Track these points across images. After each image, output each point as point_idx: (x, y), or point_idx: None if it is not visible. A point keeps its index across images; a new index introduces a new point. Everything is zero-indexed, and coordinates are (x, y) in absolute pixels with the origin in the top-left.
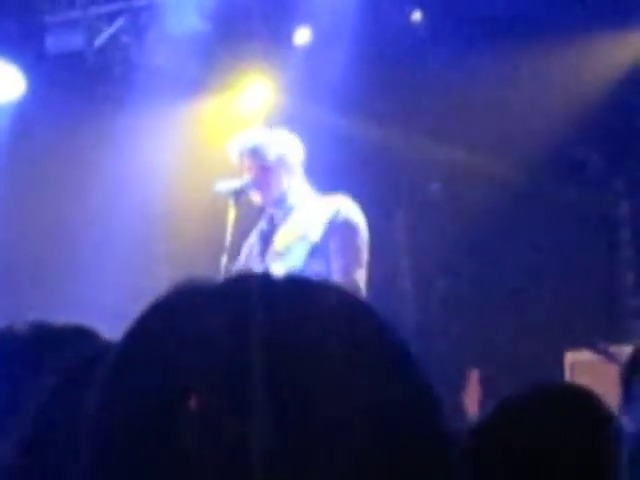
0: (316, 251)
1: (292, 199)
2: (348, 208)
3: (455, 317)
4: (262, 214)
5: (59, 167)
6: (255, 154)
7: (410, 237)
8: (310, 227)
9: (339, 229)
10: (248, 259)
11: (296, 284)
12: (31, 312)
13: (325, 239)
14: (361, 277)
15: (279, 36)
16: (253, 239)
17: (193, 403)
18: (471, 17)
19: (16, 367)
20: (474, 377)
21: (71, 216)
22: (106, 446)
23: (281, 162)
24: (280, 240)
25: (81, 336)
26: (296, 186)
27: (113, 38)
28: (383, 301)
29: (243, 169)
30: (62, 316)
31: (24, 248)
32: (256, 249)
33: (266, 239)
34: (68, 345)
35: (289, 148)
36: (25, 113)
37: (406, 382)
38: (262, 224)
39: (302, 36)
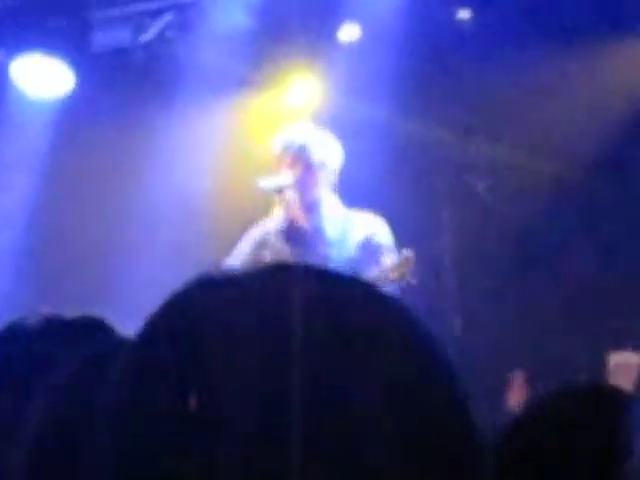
0: (350, 266)
1: (323, 209)
2: (381, 228)
3: (500, 317)
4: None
5: (104, 163)
6: (302, 151)
7: (455, 236)
8: (340, 244)
9: (374, 252)
10: (258, 256)
11: (337, 281)
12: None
13: (359, 258)
14: None
15: (325, 33)
16: (269, 235)
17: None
18: (518, 14)
19: (26, 362)
20: (519, 378)
21: (115, 213)
22: (127, 450)
23: (323, 166)
24: (315, 249)
25: (94, 328)
26: (328, 195)
27: (160, 34)
28: (427, 301)
29: (282, 162)
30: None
31: (67, 246)
32: (286, 252)
33: (298, 244)
34: (80, 338)
35: (333, 153)
36: (72, 109)
37: (436, 381)
38: (283, 226)
39: (348, 33)
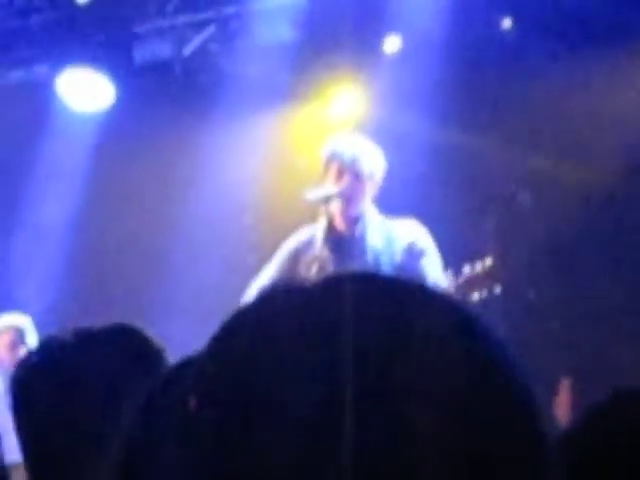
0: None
1: (366, 218)
2: (424, 237)
3: (544, 326)
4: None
5: (146, 177)
6: (353, 162)
7: (499, 245)
8: (386, 251)
9: (419, 257)
10: (296, 266)
11: (399, 287)
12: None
13: (406, 264)
14: None
15: (368, 44)
16: (311, 243)
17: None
18: (561, 25)
19: (63, 374)
20: (565, 387)
21: (158, 227)
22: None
23: (371, 178)
24: (362, 259)
25: (122, 335)
26: (369, 205)
27: (201, 47)
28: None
29: (329, 170)
30: (152, 326)
31: (109, 258)
32: (327, 260)
33: (340, 252)
34: (109, 346)
35: (379, 164)
36: (113, 122)
37: (505, 385)
38: (324, 234)
39: (392, 44)
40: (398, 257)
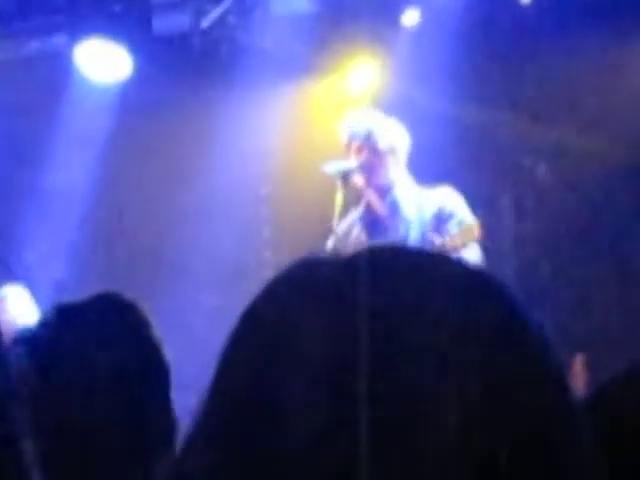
0: (429, 243)
1: (397, 191)
2: (454, 202)
3: (559, 301)
4: (359, 199)
5: (164, 149)
6: (368, 137)
7: (516, 220)
8: (418, 221)
9: (446, 221)
10: (344, 243)
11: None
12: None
13: (436, 231)
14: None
15: (387, 17)
16: (352, 226)
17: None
18: (580, 0)
19: (44, 352)
20: (579, 362)
21: (176, 199)
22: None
23: (391, 150)
24: (394, 230)
25: (103, 304)
26: (401, 177)
27: (220, 19)
28: None
29: (350, 149)
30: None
31: (127, 230)
32: (361, 236)
33: (372, 228)
34: (90, 316)
35: (399, 137)
36: (132, 93)
37: (536, 359)
38: (359, 210)
39: (410, 17)
40: (428, 225)
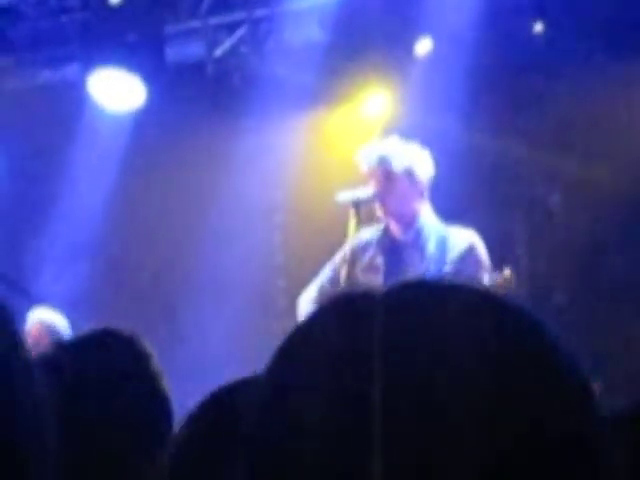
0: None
1: (422, 223)
2: (479, 245)
3: (573, 332)
4: (377, 226)
5: (177, 177)
6: (381, 162)
7: (530, 250)
8: (438, 256)
9: (472, 266)
10: (354, 265)
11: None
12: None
13: (456, 273)
14: None
15: (399, 46)
16: (368, 245)
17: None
18: (591, 27)
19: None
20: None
21: (188, 226)
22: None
23: (407, 173)
24: (412, 261)
25: (104, 339)
26: (426, 211)
27: (233, 49)
28: None
29: (370, 178)
30: (179, 333)
31: (139, 258)
32: (377, 260)
33: (390, 254)
34: (92, 351)
35: (417, 161)
36: (144, 122)
37: (561, 376)
38: (379, 237)
39: (423, 46)
40: (449, 266)
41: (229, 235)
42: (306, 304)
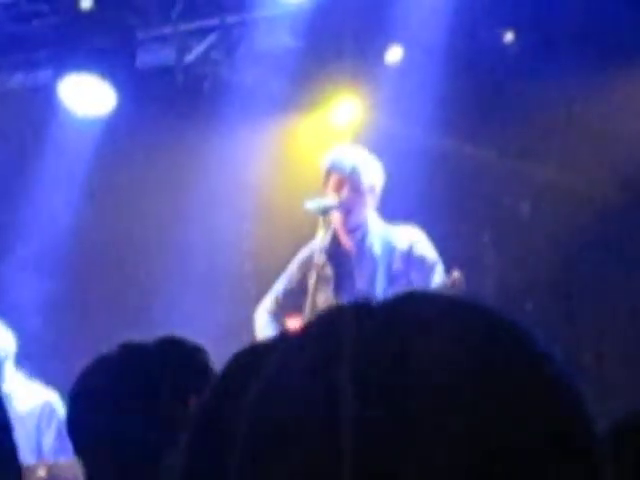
0: (395, 280)
1: (367, 227)
2: (422, 238)
3: (545, 339)
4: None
5: (146, 182)
6: (352, 174)
7: (498, 257)
8: (385, 257)
9: (415, 263)
10: (306, 275)
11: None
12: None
13: (404, 270)
14: None
15: (370, 54)
16: (314, 252)
17: None
18: (562, 36)
19: (117, 388)
20: None
21: (159, 232)
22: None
23: (372, 191)
24: (360, 266)
25: (168, 347)
26: (372, 214)
27: (204, 55)
28: None
29: (329, 180)
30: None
31: (110, 265)
32: (330, 275)
33: (337, 260)
34: (155, 359)
35: (379, 176)
36: (114, 128)
37: (554, 380)
38: (327, 246)
39: (394, 54)
40: (395, 264)
41: (197, 243)
42: (262, 315)
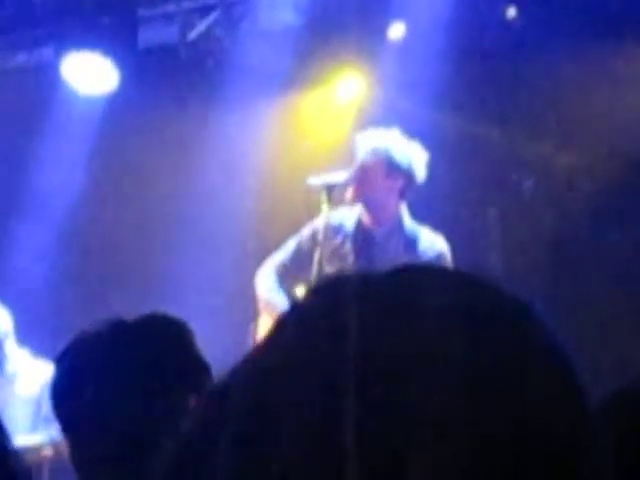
0: None
1: (397, 222)
2: (447, 254)
3: (550, 316)
4: (347, 212)
5: (150, 161)
6: (362, 154)
7: (503, 235)
8: (412, 256)
9: None
10: (326, 253)
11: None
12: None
13: None
14: None
15: (373, 30)
16: (337, 237)
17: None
18: (565, 11)
19: (101, 364)
20: None
21: (162, 210)
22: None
23: (389, 170)
24: (382, 256)
25: (156, 325)
26: (404, 211)
27: (207, 32)
28: None
29: (369, 166)
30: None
31: (113, 244)
32: (347, 253)
33: (362, 250)
34: (145, 336)
35: (405, 160)
36: (117, 106)
37: (547, 369)
38: (352, 227)
39: (396, 31)
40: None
41: (200, 221)
42: (264, 278)
